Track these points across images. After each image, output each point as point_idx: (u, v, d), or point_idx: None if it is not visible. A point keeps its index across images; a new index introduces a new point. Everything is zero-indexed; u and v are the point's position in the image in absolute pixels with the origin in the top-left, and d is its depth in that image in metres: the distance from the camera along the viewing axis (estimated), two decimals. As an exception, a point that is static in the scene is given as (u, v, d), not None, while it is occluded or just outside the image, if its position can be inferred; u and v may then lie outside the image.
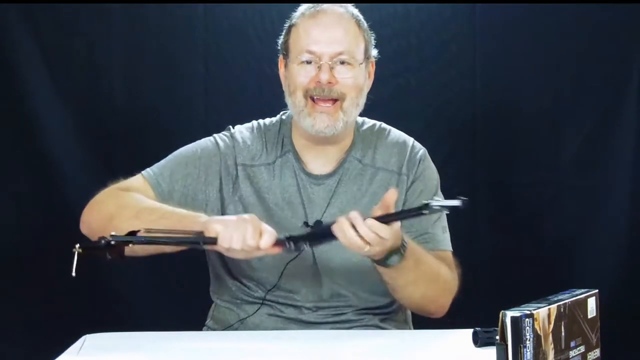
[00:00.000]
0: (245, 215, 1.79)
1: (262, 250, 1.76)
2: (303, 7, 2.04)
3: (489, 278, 2.94)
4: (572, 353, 1.53)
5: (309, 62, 1.98)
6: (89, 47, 2.96)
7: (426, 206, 1.71)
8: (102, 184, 2.96)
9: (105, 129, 2.98)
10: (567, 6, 2.93)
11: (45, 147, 2.95)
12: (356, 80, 1.99)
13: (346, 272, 2.01)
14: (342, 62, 1.97)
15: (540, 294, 1.58)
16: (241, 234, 1.73)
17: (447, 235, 2.07)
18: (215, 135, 2.09)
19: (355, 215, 1.75)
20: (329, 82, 1.96)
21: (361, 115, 2.12)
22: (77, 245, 1.66)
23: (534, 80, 2.99)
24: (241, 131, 2.09)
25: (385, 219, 1.77)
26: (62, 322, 2.79)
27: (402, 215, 1.84)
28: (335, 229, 1.76)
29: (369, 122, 2.13)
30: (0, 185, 2.96)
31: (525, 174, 3.01)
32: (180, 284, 2.91)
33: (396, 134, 2.12)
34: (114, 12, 2.96)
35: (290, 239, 1.79)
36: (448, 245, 2.07)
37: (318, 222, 2.00)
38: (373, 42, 2.07)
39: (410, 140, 2.11)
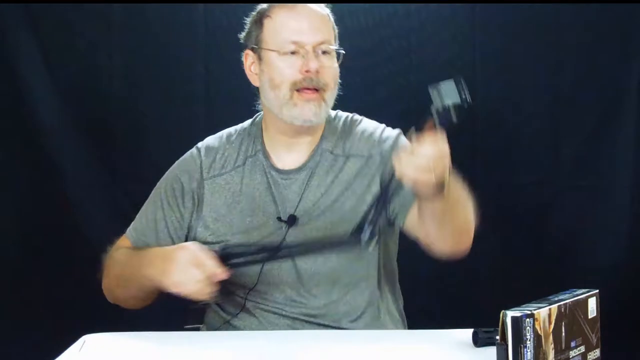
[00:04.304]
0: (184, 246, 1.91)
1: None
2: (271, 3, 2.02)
3: (489, 278, 2.94)
4: (572, 353, 1.53)
5: (293, 53, 1.96)
6: (89, 47, 2.97)
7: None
8: (102, 184, 2.98)
9: (105, 128, 2.98)
10: (566, 6, 2.94)
11: (45, 146, 2.95)
12: (335, 70, 1.99)
13: (321, 273, 2.00)
14: (324, 52, 1.97)
15: (540, 294, 1.58)
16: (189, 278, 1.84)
17: None
18: (179, 164, 2.09)
19: (404, 149, 1.72)
20: (317, 71, 1.95)
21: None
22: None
23: (534, 80, 2.99)
24: (208, 144, 2.09)
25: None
26: (62, 322, 2.79)
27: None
28: (397, 167, 1.70)
29: (342, 114, 2.10)
30: (0, 185, 2.96)
31: (525, 174, 3.01)
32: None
33: (368, 122, 2.09)
34: (114, 12, 2.96)
35: None
36: None
37: (292, 217, 1.99)
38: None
39: (382, 126, 2.08)
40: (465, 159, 3.00)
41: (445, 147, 1.70)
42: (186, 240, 2.04)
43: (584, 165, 2.99)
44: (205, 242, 2.02)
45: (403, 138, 2.03)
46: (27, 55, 2.93)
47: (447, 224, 1.85)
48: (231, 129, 2.11)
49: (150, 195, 2.10)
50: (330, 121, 2.06)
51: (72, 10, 2.94)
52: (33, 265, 2.95)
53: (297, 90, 1.96)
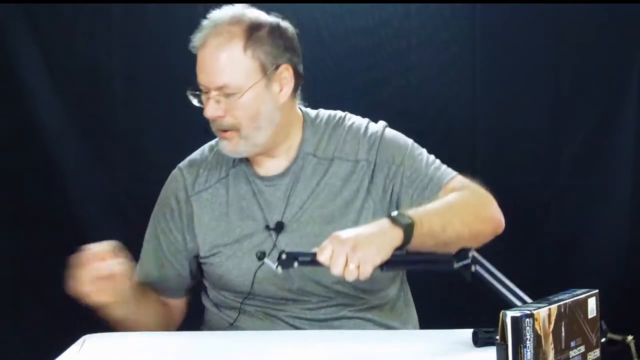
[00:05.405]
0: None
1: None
2: (202, 25, 1.97)
3: (489, 278, 2.94)
4: (572, 353, 1.53)
5: (206, 95, 1.93)
6: (89, 47, 2.97)
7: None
8: (101, 184, 2.98)
9: (105, 128, 2.98)
10: (567, 6, 2.93)
11: (45, 147, 2.95)
12: (247, 108, 1.91)
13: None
14: (227, 95, 1.90)
15: (540, 294, 1.58)
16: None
17: (442, 165, 2.02)
18: (165, 187, 2.09)
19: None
20: (215, 117, 1.92)
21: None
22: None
23: (534, 80, 2.99)
24: (190, 160, 2.09)
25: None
26: (62, 322, 2.79)
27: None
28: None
29: (324, 113, 2.06)
30: (0, 185, 2.96)
31: (525, 174, 3.00)
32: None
33: (351, 120, 2.04)
34: (114, 12, 2.96)
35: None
36: (450, 173, 2.01)
37: (279, 224, 1.97)
38: (280, 47, 1.94)
39: (365, 122, 2.04)
40: (465, 159, 3.01)
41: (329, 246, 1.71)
42: (190, 262, 2.05)
43: (584, 165, 2.99)
44: (203, 257, 2.02)
45: (387, 131, 2.03)
46: (27, 55, 2.93)
47: (450, 234, 1.89)
48: (212, 142, 2.10)
49: (148, 226, 2.10)
50: (311, 121, 2.04)
51: (72, 10, 2.94)
52: (33, 265, 2.95)
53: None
